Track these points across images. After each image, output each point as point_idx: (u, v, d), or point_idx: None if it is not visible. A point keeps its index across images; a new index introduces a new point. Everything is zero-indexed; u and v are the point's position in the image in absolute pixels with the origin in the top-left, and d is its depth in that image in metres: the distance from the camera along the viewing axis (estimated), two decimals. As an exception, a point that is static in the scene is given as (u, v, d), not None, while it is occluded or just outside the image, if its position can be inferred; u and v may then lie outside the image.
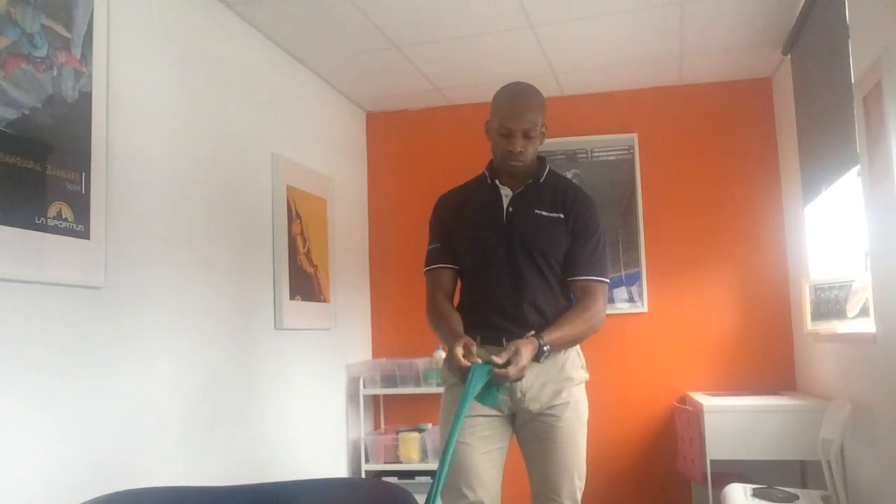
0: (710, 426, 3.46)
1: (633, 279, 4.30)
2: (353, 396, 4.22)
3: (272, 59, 3.61)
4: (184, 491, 1.87)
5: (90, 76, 2.33)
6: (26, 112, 2.08)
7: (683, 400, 4.09)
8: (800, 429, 3.35)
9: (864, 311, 2.87)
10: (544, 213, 2.29)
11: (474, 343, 2.13)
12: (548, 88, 4.23)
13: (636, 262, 4.31)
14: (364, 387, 4.22)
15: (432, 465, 4.02)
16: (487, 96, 2.34)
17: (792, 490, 3.04)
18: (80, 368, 2.26)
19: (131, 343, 2.49)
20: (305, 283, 3.72)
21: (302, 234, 3.73)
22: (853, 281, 3.00)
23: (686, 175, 4.30)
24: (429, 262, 2.40)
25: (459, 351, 2.05)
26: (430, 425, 4.27)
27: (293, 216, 3.64)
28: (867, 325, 2.77)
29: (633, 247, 4.32)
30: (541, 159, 2.38)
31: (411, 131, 4.68)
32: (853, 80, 2.68)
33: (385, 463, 4.13)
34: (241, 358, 3.17)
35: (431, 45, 3.68)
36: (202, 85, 3.01)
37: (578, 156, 4.44)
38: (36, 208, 2.09)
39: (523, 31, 3.53)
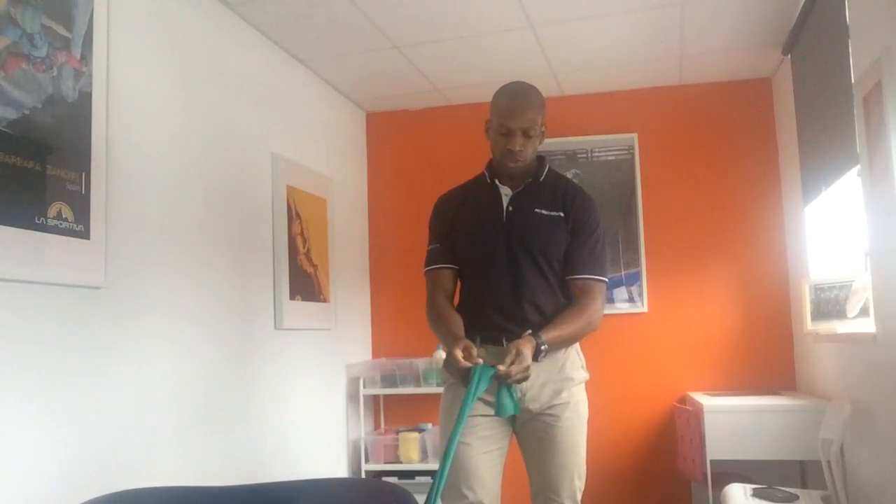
0: (710, 426, 3.46)
1: (633, 279, 4.30)
2: (353, 396, 4.22)
3: (272, 59, 3.61)
4: (184, 491, 1.87)
5: (90, 76, 2.33)
6: (26, 112, 2.08)
7: (683, 400, 4.09)
8: (800, 429, 3.35)
9: (864, 311, 2.87)
10: (544, 211, 2.29)
11: (474, 345, 2.12)
12: (548, 88, 4.23)
13: (636, 262, 4.31)
14: (364, 387, 4.22)
15: (432, 465, 4.02)
16: (487, 96, 2.34)
17: (792, 490, 3.04)
18: (80, 368, 2.26)
19: (131, 343, 2.49)
20: (305, 283, 3.72)
21: (302, 234, 3.73)
22: (853, 281, 3.00)
23: (686, 175, 4.30)
24: (429, 262, 2.40)
25: (459, 353, 2.05)
26: (430, 425, 4.27)
27: (293, 216, 3.64)
28: (867, 325, 2.77)
29: (633, 247, 4.32)
30: (540, 159, 2.38)
31: (411, 131, 4.68)
32: (853, 80, 2.68)
33: (385, 463, 4.13)
34: (241, 358, 3.17)
35: (431, 45, 3.68)
36: (202, 85, 3.01)
37: (578, 156, 4.44)
38: (36, 208, 2.09)
39: (523, 31, 3.53)
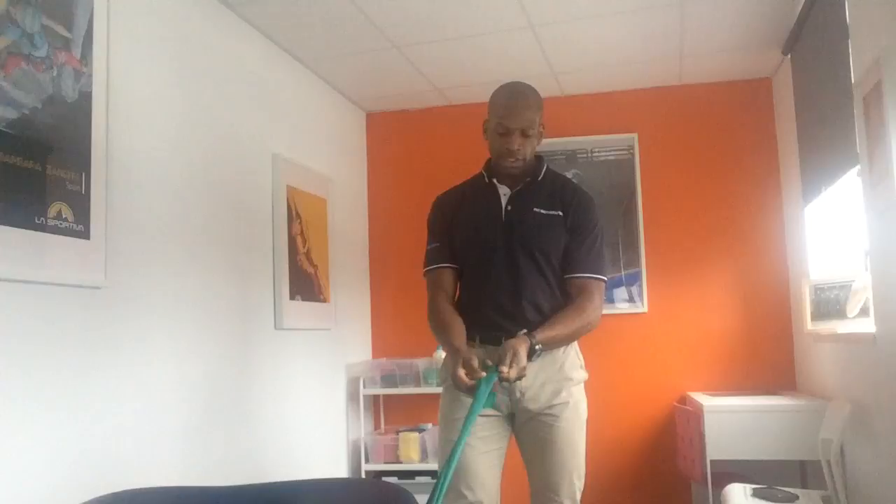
0: (710, 426, 3.46)
1: (633, 279, 4.30)
2: (353, 396, 4.22)
3: (272, 59, 3.61)
4: (184, 491, 1.87)
5: (90, 76, 2.33)
6: (26, 112, 2.08)
7: (683, 400, 4.09)
8: (800, 429, 3.35)
9: (864, 311, 2.87)
10: (543, 211, 2.29)
11: (474, 352, 2.10)
12: (548, 88, 4.24)
13: (636, 262, 4.31)
14: (364, 387, 4.22)
15: (432, 466, 4.02)
16: (487, 96, 2.33)
17: (792, 490, 3.03)
18: (80, 368, 2.26)
19: (131, 343, 2.49)
20: (305, 283, 3.72)
21: (302, 234, 3.73)
22: (853, 281, 3.00)
23: (686, 175, 4.31)
24: (428, 262, 2.39)
25: (462, 373, 2.04)
26: (430, 425, 4.27)
27: (293, 216, 3.64)
28: (867, 325, 2.77)
29: (633, 247, 4.31)
30: (538, 158, 2.38)
31: (411, 131, 4.68)
32: (853, 80, 2.68)
33: (385, 463, 4.13)
34: (241, 358, 3.17)
35: (431, 45, 3.68)
36: (202, 85, 3.01)
37: (578, 156, 4.44)
38: (36, 208, 2.09)
39: (523, 31, 3.53)
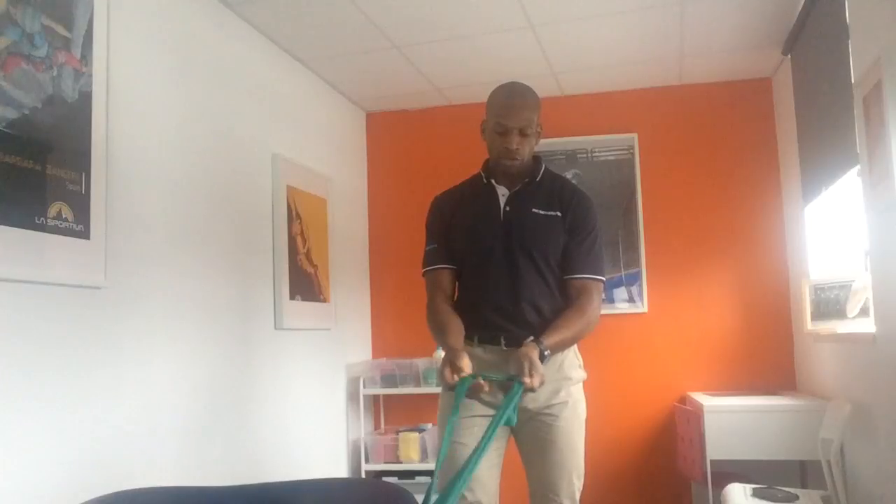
0: (710, 426, 3.46)
1: (633, 279, 4.30)
2: (353, 396, 4.22)
3: (272, 59, 3.61)
4: (183, 491, 1.87)
5: (90, 76, 2.33)
6: (26, 112, 2.08)
7: (683, 400, 4.09)
8: (800, 429, 3.35)
9: (864, 311, 2.87)
10: (541, 211, 2.29)
11: (464, 358, 2.08)
12: (548, 88, 4.24)
13: (636, 262, 4.31)
14: (364, 387, 4.22)
15: (432, 466, 4.02)
16: (487, 96, 2.34)
17: (792, 490, 3.04)
18: (80, 368, 2.26)
19: (131, 343, 2.49)
20: (305, 283, 3.72)
21: (302, 234, 3.73)
22: (853, 281, 3.00)
23: (686, 175, 4.30)
24: (427, 263, 2.40)
25: (448, 371, 2.04)
26: (430, 425, 4.27)
27: (293, 216, 3.64)
28: (867, 325, 2.77)
29: (633, 247, 4.31)
30: (536, 159, 2.38)
31: (411, 131, 4.68)
32: (853, 80, 2.68)
33: (385, 463, 4.13)
34: (241, 358, 3.17)
35: (431, 45, 3.68)
36: (202, 85, 3.01)
37: (578, 156, 4.44)
38: (36, 208, 2.09)
39: (523, 31, 3.53)
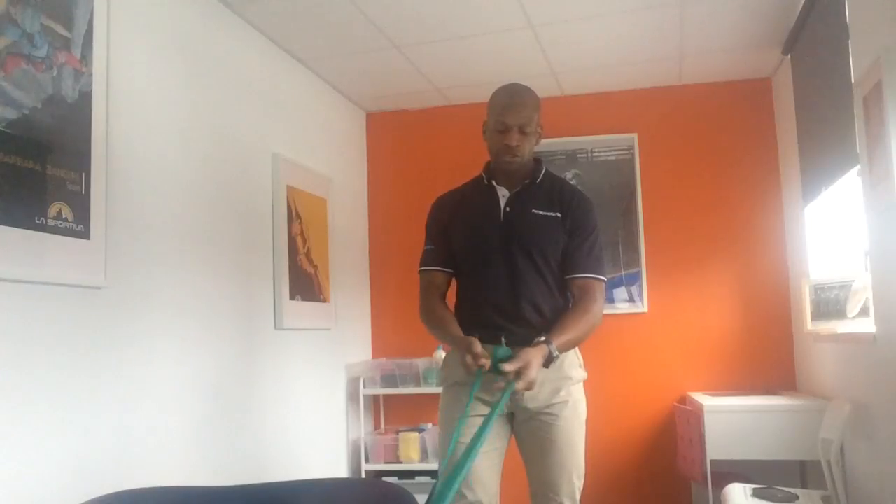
0: (710, 426, 3.46)
1: (633, 279, 4.30)
2: (353, 396, 4.22)
3: (272, 59, 3.61)
4: (184, 491, 1.87)
5: (90, 76, 2.33)
6: (26, 112, 2.08)
7: (683, 400, 4.09)
8: (800, 429, 3.35)
9: (864, 311, 2.87)
10: (541, 212, 2.30)
11: (476, 342, 2.10)
12: (548, 88, 4.24)
13: (636, 262, 4.31)
14: (364, 387, 4.22)
15: (432, 466, 4.03)
16: (487, 96, 2.35)
17: (792, 490, 3.04)
18: (80, 368, 2.26)
19: (131, 343, 2.49)
20: (305, 283, 3.72)
21: (302, 234, 3.73)
22: (853, 281, 3.00)
23: (686, 175, 4.30)
24: (423, 262, 2.43)
25: (469, 359, 2.05)
26: (430, 425, 4.27)
27: (293, 216, 3.64)
28: (867, 325, 2.77)
29: (633, 247, 4.31)
30: (537, 161, 2.40)
31: (411, 131, 4.68)
32: (853, 80, 2.68)
33: (385, 463, 4.13)
34: (241, 358, 3.17)
35: (431, 45, 3.68)
36: (202, 85, 3.01)
37: (578, 156, 4.44)
38: (36, 208, 2.09)
39: (523, 31, 3.53)
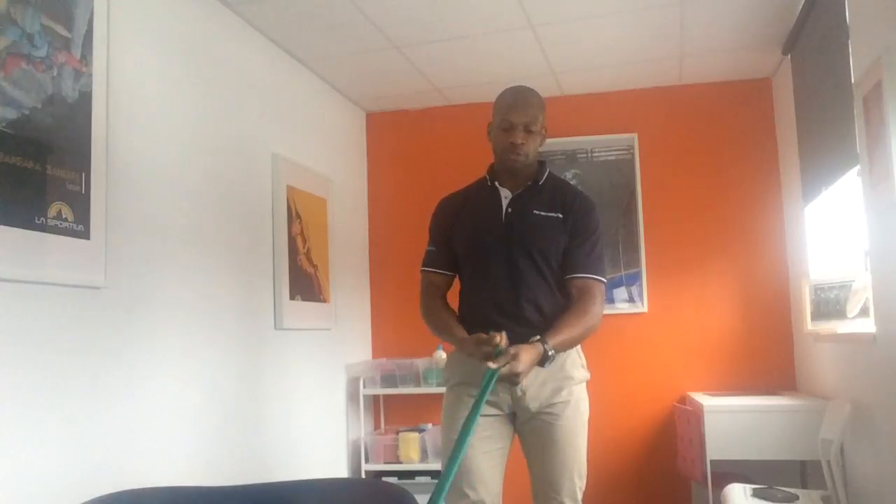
0: (710, 426, 3.46)
1: (633, 279, 4.30)
2: (353, 396, 4.22)
3: (272, 59, 3.61)
4: (183, 491, 1.87)
5: (90, 76, 2.33)
6: (26, 112, 2.08)
7: (683, 400, 4.09)
8: (800, 429, 3.35)
9: (864, 311, 2.87)
10: (542, 213, 2.32)
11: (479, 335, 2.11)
12: (548, 88, 4.23)
13: (636, 262, 4.31)
14: (364, 387, 4.22)
15: (432, 466, 4.02)
16: (487, 96, 2.36)
17: (792, 490, 3.04)
18: (80, 368, 2.26)
19: (131, 343, 2.49)
20: (305, 283, 3.72)
21: (302, 234, 3.73)
22: (853, 281, 3.00)
23: (686, 175, 4.30)
24: (424, 263, 2.46)
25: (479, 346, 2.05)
26: (430, 425, 4.27)
27: (293, 216, 3.64)
28: (867, 325, 2.77)
29: (633, 247, 4.31)
30: (541, 163, 2.42)
31: (411, 131, 4.68)
32: (853, 80, 2.68)
33: (385, 463, 4.13)
34: (242, 358, 3.17)
35: (431, 45, 3.68)
36: (202, 85, 3.01)
37: (578, 156, 4.44)
38: (36, 208, 2.09)
39: (523, 31, 3.53)
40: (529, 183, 2.36)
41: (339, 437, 4.09)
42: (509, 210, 2.34)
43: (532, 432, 2.28)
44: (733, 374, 4.12)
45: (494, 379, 2.02)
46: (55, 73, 2.19)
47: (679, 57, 3.94)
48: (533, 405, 2.24)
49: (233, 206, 3.17)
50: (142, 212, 2.59)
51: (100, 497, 1.72)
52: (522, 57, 3.84)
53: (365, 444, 4.16)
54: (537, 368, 2.19)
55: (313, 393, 3.82)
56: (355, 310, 4.42)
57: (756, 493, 2.98)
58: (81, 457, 2.23)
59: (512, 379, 2.04)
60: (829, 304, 3.29)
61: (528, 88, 2.35)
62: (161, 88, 2.75)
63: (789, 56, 3.75)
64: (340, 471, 4.08)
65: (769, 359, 4.10)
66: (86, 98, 2.30)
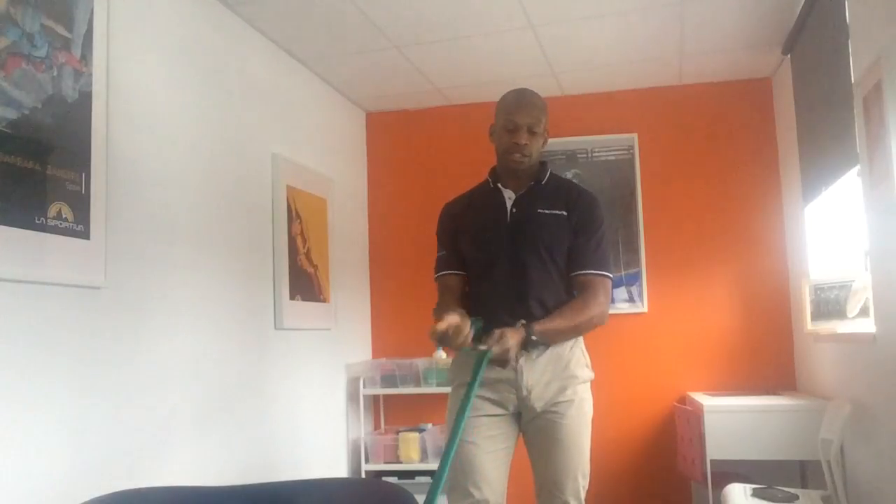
0: (710, 426, 3.46)
1: (633, 279, 4.30)
2: (353, 396, 4.22)
3: (272, 59, 3.61)
4: (183, 491, 1.87)
5: (90, 76, 2.33)
6: (26, 112, 2.08)
7: (683, 400, 4.09)
8: (800, 429, 3.35)
9: (864, 311, 2.87)
10: (547, 211, 2.33)
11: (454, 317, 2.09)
12: (548, 88, 4.23)
13: (636, 262, 4.31)
14: (364, 387, 4.22)
15: (432, 466, 4.02)
16: (487, 96, 2.37)
17: (792, 490, 3.04)
18: (80, 368, 2.26)
19: (131, 343, 2.49)
20: (305, 283, 3.72)
21: (302, 234, 3.73)
22: (853, 281, 3.00)
23: (686, 175, 4.31)
24: (437, 268, 2.46)
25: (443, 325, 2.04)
26: (429, 425, 4.27)
27: (293, 216, 3.64)
28: (867, 325, 2.77)
29: (633, 247, 4.32)
30: (542, 163, 2.44)
31: (411, 131, 4.68)
32: (853, 80, 2.68)
33: (385, 463, 4.13)
34: (242, 358, 3.17)
35: (431, 45, 3.68)
36: (202, 85, 3.01)
37: (578, 156, 4.44)
38: (36, 208, 2.09)
39: (523, 31, 3.53)
40: (532, 183, 2.38)
41: (339, 436, 4.09)
42: (514, 210, 2.35)
43: (537, 431, 2.29)
44: (733, 374, 4.12)
45: (485, 361, 2.05)
46: (55, 73, 2.19)
47: (679, 57, 3.94)
48: (538, 404, 2.25)
49: (233, 206, 3.17)
50: (142, 212, 2.59)
51: (100, 497, 1.72)
52: (522, 57, 3.84)
53: (365, 444, 4.16)
54: (542, 367, 2.22)
55: (313, 393, 3.82)
56: (355, 310, 4.42)
57: (756, 493, 2.98)
58: (81, 457, 2.23)
59: (503, 357, 2.07)
60: (829, 304, 3.29)
61: (531, 91, 2.37)
62: (161, 88, 2.75)
63: (789, 56, 3.75)
64: (340, 471, 4.08)
65: (769, 359, 4.10)
66: (86, 98, 2.30)
